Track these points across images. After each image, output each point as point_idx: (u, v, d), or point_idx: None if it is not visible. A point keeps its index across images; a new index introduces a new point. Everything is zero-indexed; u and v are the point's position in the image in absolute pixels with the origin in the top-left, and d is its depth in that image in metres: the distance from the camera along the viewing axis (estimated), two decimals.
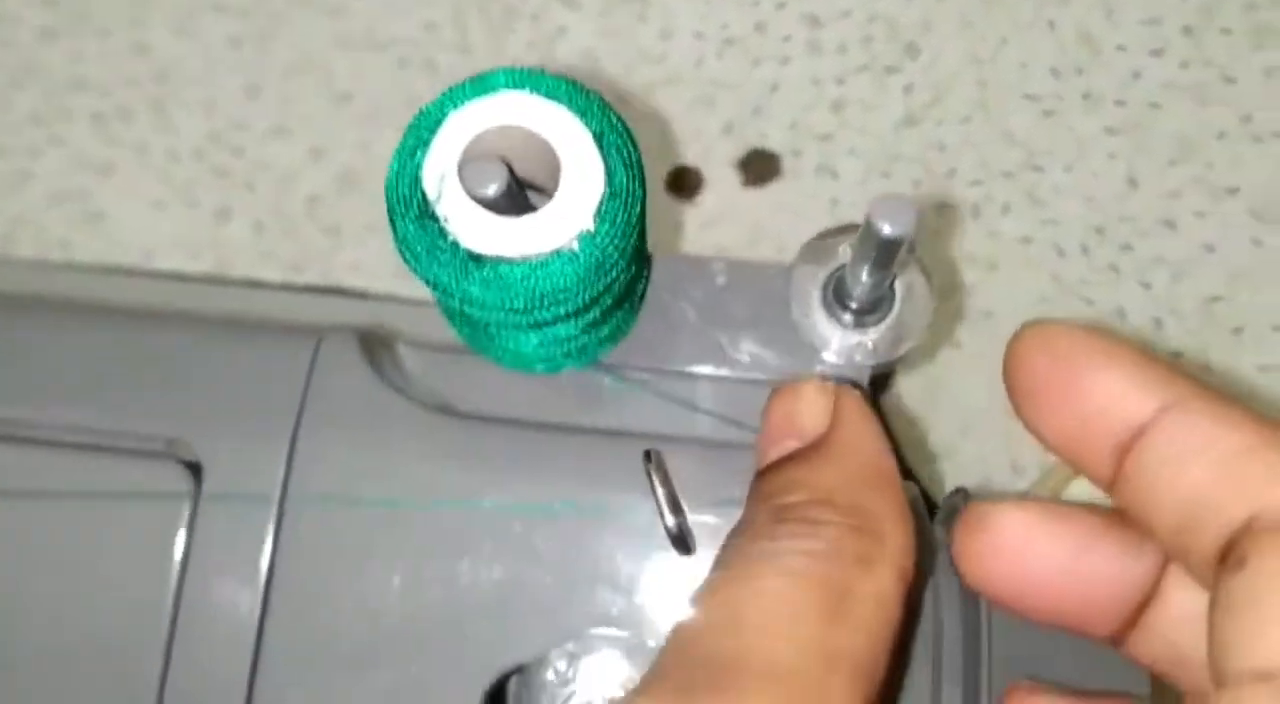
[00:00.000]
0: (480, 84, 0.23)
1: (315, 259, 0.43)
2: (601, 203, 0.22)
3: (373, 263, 0.43)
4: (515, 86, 0.23)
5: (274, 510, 0.25)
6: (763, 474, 0.22)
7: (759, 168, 0.43)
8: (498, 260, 0.22)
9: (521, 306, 0.22)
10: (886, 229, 0.21)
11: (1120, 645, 0.21)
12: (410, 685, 0.25)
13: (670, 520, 0.24)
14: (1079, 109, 0.43)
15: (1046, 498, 0.37)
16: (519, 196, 0.23)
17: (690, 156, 0.44)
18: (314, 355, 0.26)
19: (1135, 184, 0.42)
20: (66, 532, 0.25)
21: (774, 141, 0.43)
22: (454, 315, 0.25)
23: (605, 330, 0.25)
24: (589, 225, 0.22)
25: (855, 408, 0.23)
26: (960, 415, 0.40)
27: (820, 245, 0.27)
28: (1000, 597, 0.21)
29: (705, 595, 0.20)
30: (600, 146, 0.22)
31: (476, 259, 0.22)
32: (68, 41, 0.45)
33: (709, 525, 0.25)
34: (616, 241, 0.22)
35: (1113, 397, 0.19)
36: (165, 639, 0.25)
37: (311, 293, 0.42)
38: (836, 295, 0.26)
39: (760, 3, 0.45)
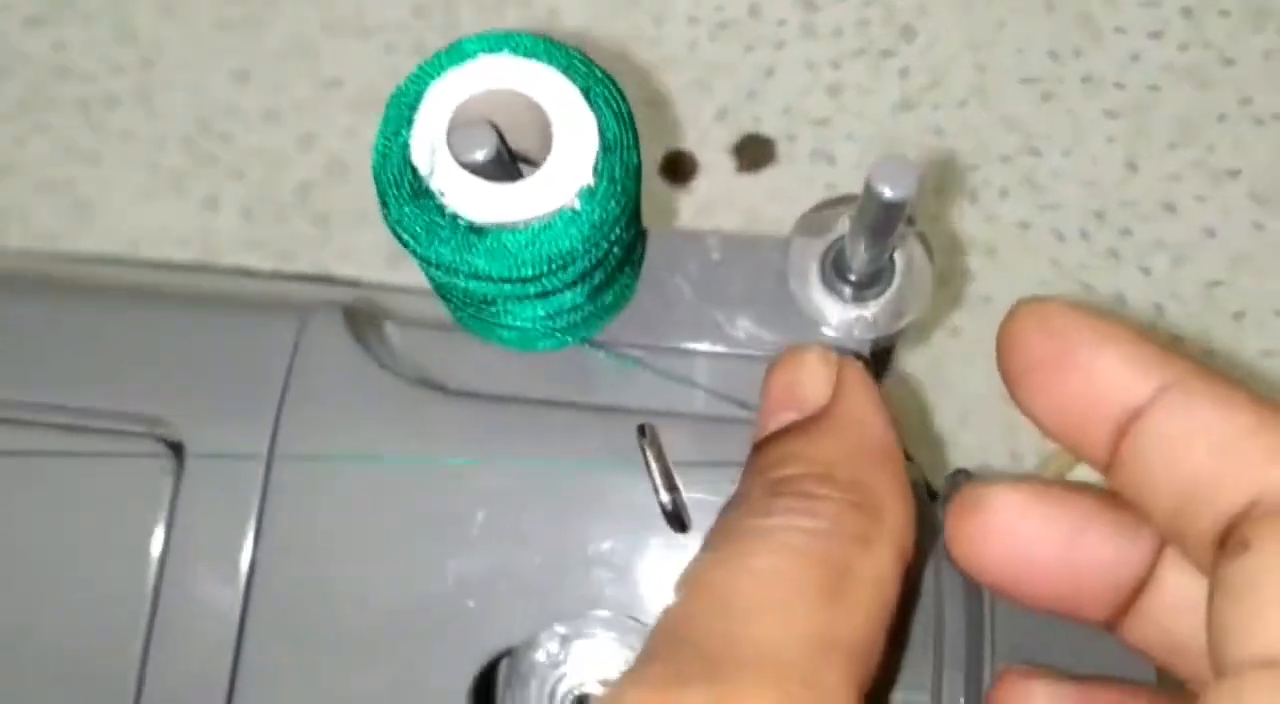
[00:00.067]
0: (456, 52, 0.22)
1: (305, 247, 0.42)
2: (598, 157, 0.21)
3: (363, 251, 0.42)
4: (492, 50, 0.22)
5: (258, 489, 0.24)
6: (760, 446, 0.22)
7: (753, 153, 0.43)
8: (500, 229, 0.22)
9: (530, 273, 0.22)
10: (888, 192, 0.21)
11: (1115, 631, 0.21)
12: (398, 669, 0.24)
13: (665, 497, 0.24)
14: (1078, 92, 0.43)
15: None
16: (510, 166, 0.23)
17: (685, 142, 0.43)
18: (299, 332, 0.26)
19: (1135, 167, 0.42)
20: (44, 513, 0.25)
21: (769, 126, 0.43)
22: (453, 298, 0.24)
23: (609, 296, 0.25)
24: (588, 180, 0.21)
25: (858, 379, 0.22)
26: (959, 402, 0.40)
27: (818, 217, 0.26)
28: (992, 580, 0.20)
29: (695, 574, 0.19)
30: (589, 100, 0.22)
31: (478, 231, 0.22)
32: (53, 29, 0.45)
33: (705, 502, 0.24)
34: (617, 194, 0.22)
35: (1110, 376, 0.18)
36: (146, 620, 0.24)
37: (301, 281, 0.42)
38: (835, 268, 0.26)
39: None
